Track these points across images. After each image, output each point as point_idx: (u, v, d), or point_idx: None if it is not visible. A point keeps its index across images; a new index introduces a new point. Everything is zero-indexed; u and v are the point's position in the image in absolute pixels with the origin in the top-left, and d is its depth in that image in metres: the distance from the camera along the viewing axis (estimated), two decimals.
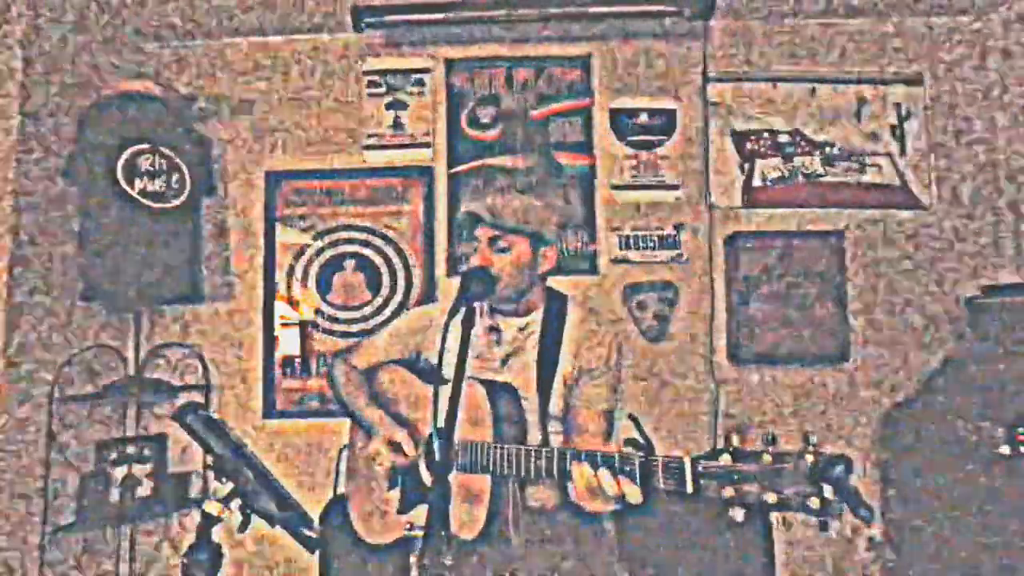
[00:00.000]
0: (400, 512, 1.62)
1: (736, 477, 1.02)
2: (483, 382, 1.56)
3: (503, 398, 1.55)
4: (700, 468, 1.07)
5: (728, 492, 1.02)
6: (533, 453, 1.41)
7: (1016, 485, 2.02)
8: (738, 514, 1.00)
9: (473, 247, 1.64)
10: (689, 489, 1.09)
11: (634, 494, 1.19)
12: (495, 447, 1.47)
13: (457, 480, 1.49)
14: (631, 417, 1.55)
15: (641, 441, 1.28)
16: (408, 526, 1.57)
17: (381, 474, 1.63)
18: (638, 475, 1.18)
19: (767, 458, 1.01)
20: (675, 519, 2.29)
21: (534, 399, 1.60)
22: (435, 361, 1.69)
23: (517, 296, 1.63)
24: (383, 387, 1.77)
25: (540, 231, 1.61)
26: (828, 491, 0.95)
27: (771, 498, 0.98)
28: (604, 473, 1.22)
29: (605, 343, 1.63)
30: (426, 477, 1.60)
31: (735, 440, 1.05)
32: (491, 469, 1.47)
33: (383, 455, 1.58)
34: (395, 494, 1.64)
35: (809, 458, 0.98)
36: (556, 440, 1.63)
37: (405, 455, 1.57)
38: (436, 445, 1.30)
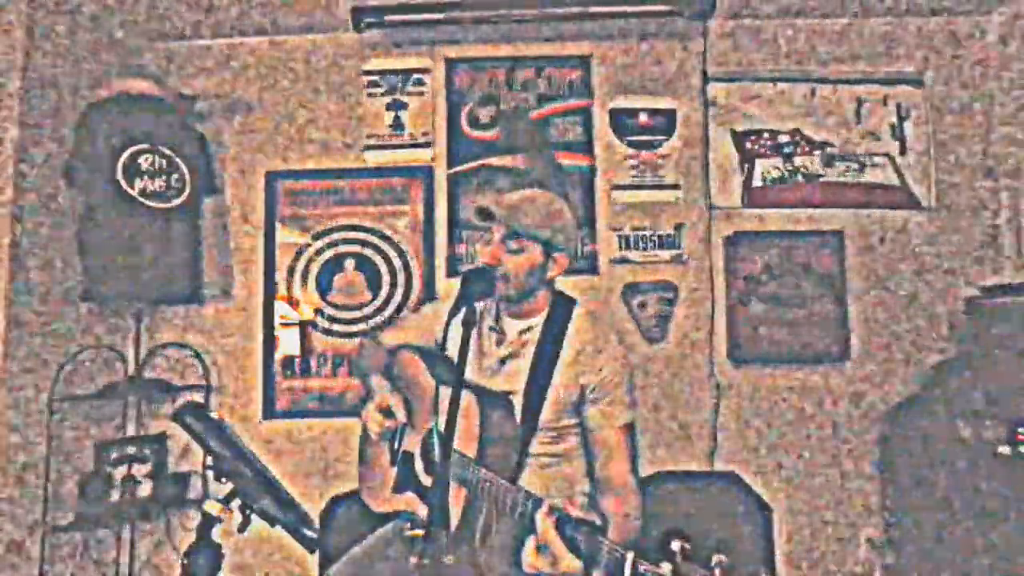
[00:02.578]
0: (394, 491, 1.65)
1: None
2: (477, 391, 1.54)
3: (496, 410, 1.53)
4: (640, 568, 1.03)
5: None
6: (503, 489, 1.40)
7: (1016, 485, 2.02)
8: None
9: (485, 239, 1.66)
10: None
11: (572, 566, 1.12)
12: (475, 468, 1.46)
13: None
14: (588, 494, 1.56)
15: (596, 521, 1.25)
16: (408, 526, 1.57)
17: (373, 437, 1.67)
18: (583, 548, 1.12)
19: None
20: (675, 519, 2.28)
21: (516, 408, 1.58)
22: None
23: (520, 297, 1.63)
24: (397, 367, 1.79)
25: (555, 238, 1.59)
26: None
27: None
28: (553, 535, 1.14)
29: (617, 360, 1.60)
30: (423, 477, 1.60)
31: (680, 547, 1.00)
32: (472, 488, 1.47)
33: (374, 418, 1.62)
34: (394, 472, 1.67)
35: None
36: (543, 450, 1.61)
37: (395, 419, 1.60)
38: (436, 447, 1.30)
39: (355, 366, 1.87)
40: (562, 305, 1.67)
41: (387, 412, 1.62)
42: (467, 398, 1.49)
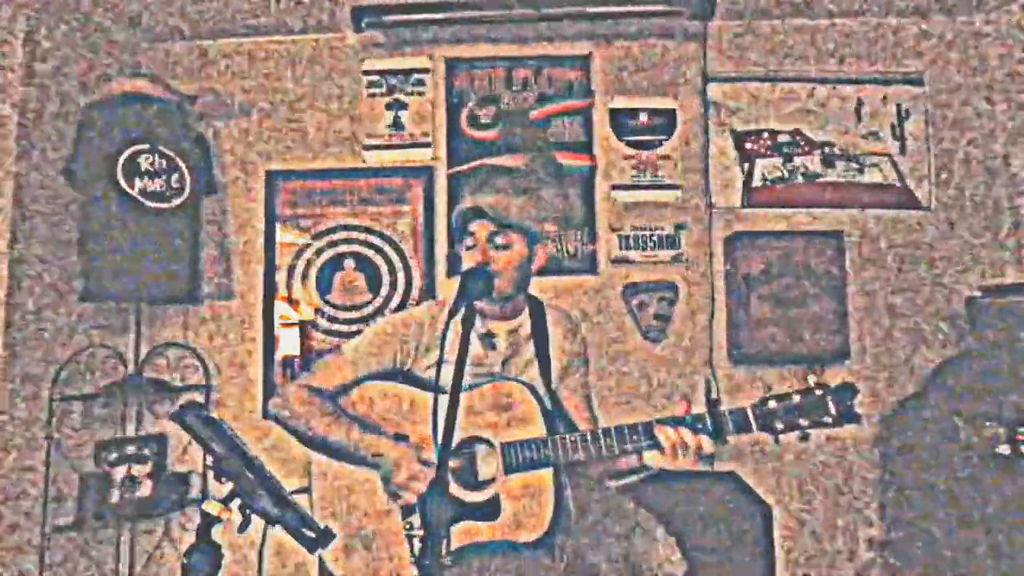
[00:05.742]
0: (427, 542, 1.47)
1: (783, 414, 1.43)
2: (518, 381, 1.60)
3: (536, 396, 1.59)
4: (758, 411, 1.44)
5: (779, 425, 1.43)
6: (603, 432, 1.49)
7: (1016, 485, 2.02)
8: (782, 439, 1.44)
9: (467, 244, 1.64)
10: (755, 429, 1.44)
11: (708, 445, 1.44)
12: (559, 436, 1.51)
13: (510, 483, 1.51)
14: (707, 381, 1.67)
15: (715, 402, 1.59)
16: (408, 526, 1.56)
17: (412, 500, 1.51)
18: (711, 429, 1.45)
19: (796, 398, 1.43)
20: (676, 519, 2.28)
21: (545, 396, 1.66)
22: (418, 371, 1.68)
23: (514, 293, 1.66)
24: (363, 408, 1.63)
25: (537, 229, 1.67)
26: (832, 407, 1.40)
27: (804, 421, 1.42)
28: (684, 430, 1.44)
29: (578, 339, 1.77)
30: (460, 492, 1.53)
31: (816, 381, 1.44)
32: (553, 460, 1.50)
33: (421, 475, 1.48)
34: (415, 520, 1.54)
35: (818, 391, 1.42)
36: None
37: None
38: (436, 450, 1.29)
39: (288, 425, 1.60)
40: (535, 303, 1.77)
41: (427, 463, 1.50)
42: (509, 387, 1.58)
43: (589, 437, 1.50)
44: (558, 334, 1.74)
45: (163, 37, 2.94)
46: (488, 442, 1.55)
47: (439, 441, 1.23)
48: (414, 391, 1.62)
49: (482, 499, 1.51)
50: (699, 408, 1.50)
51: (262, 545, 2.43)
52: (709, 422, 1.45)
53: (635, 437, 1.47)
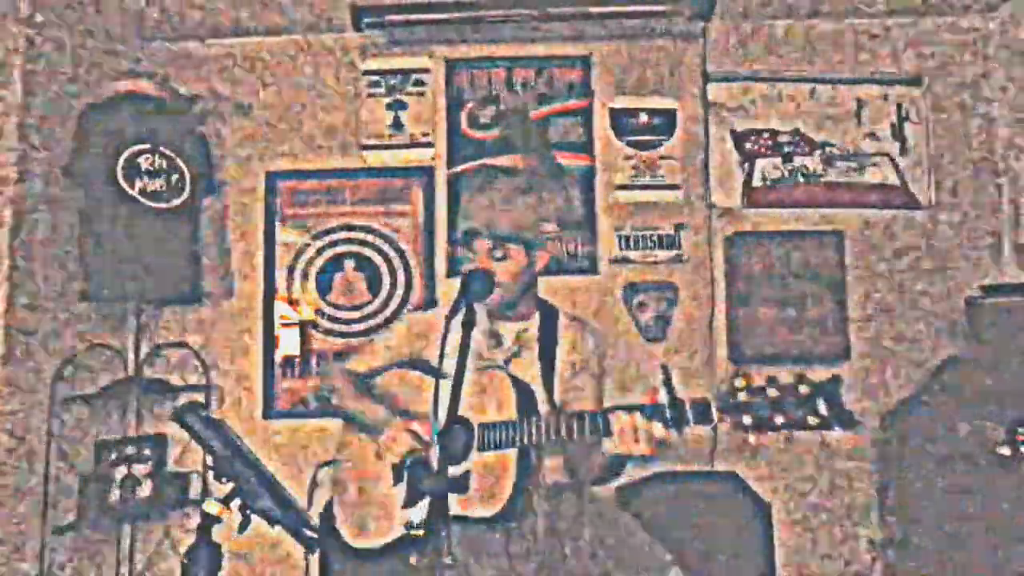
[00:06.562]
0: (406, 506, 1.63)
1: (752, 408, 1.32)
2: (508, 374, 1.65)
3: (523, 392, 1.63)
4: (723, 403, 1.36)
5: (747, 420, 1.32)
6: (564, 416, 1.52)
7: (1016, 485, 2.02)
8: (752, 436, 1.35)
9: (472, 258, 1.72)
10: (715, 421, 1.37)
11: (660, 432, 1.41)
12: (527, 419, 1.55)
13: (484, 460, 1.57)
14: (663, 367, 1.64)
15: (671, 390, 1.49)
16: (408, 525, 1.57)
17: (393, 461, 1.65)
18: (669, 419, 1.40)
19: (772, 392, 1.32)
20: (677, 515, 2.28)
21: (542, 395, 1.69)
22: (435, 362, 1.75)
23: (518, 297, 1.72)
24: (387, 389, 1.81)
25: (534, 237, 1.71)
26: (823, 407, 1.28)
27: (780, 419, 1.30)
28: (637, 416, 1.41)
29: (591, 343, 1.80)
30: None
31: (742, 381, 1.35)
32: (520, 442, 1.54)
33: (400, 439, 1.62)
34: (400, 489, 1.65)
35: (804, 388, 1.30)
36: None
37: (423, 442, 1.61)
38: (435, 444, 1.31)
39: (330, 397, 1.89)
40: (548, 309, 1.83)
41: (412, 433, 1.63)
42: (494, 376, 1.63)
43: (551, 420, 1.54)
44: (568, 340, 1.78)
45: (163, 37, 2.94)
46: (467, 421, 1.61)
47: (438, 427, 1.32)
48: (424, 378, 1.76)
49: (458, 473, 1.58)
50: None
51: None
52: (667, 410, 1.41)
53: (594, 423, 1.49)
